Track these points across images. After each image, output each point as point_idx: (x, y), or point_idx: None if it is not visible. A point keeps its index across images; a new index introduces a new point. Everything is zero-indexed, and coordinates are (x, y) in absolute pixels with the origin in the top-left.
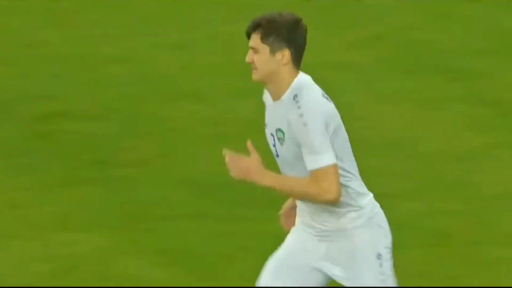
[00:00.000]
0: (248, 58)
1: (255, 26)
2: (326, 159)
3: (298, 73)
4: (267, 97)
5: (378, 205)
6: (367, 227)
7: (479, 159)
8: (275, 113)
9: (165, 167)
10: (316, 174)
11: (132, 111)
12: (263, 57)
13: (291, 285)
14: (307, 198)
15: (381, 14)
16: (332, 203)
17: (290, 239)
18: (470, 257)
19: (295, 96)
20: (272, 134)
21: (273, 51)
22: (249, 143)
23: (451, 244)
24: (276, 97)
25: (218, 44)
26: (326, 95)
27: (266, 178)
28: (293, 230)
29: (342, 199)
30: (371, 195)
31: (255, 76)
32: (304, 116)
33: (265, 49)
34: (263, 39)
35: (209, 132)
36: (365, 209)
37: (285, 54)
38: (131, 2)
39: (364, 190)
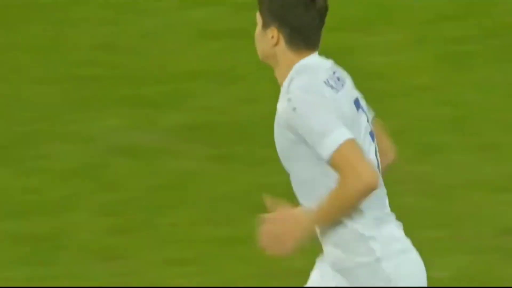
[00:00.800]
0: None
1: None
2: (336, 137)
3: (302, 56)
4: None
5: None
6: (369, 272)
7: None
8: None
9: None
10: (334, 163)
11: None
12: (257, 31)
13: None
14: (349, 203)
15: None
16: (373, 189)
17: (313, 275)
18: None
19: (291, 80)
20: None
21: (264, 26)
22: (267, 199)
23: None
24: (280, 82)
25: None
26: (334, 83)
27: (305, 226)
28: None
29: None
30: (393, 225)
31: (259, 54)
32: (293, 100)
33: (259, 21)
34: (260, 8)
35: None
36: (375, 244)
37: (274, 34)
38: None
39: (379, 216)
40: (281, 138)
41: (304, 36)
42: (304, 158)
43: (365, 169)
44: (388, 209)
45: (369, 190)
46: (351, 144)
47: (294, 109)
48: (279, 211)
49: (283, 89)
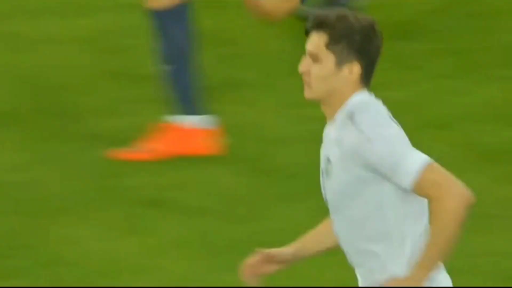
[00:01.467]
0: (302, 67)
1: (320, 24)
2: (416, 161)
3: (364, 90)
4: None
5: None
6: None
7: None
8: (327, 140)
9: None
10: (420, 188)
11: None
12: (325, 69)
13: None
14: (450, 232)
15: None
16: (468, 206)
17: None
18: None
19: (352, 114)
20: (322, 172)
21: (339, 63)
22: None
23: None
24: (330, 119)
25: None
26: (394, 119)
27: (418, 275)
28: None
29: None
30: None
31: (309, 93)
32: (366, 131)
33: (329, 58)
34: (330, 44)
35: None
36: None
37: (354, 69)
38: None
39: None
40: (343, 174)
41: (373, 70)
42: (366, 194)
43: (458, 184)
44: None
45: (470, 204)
46: (433, 165)
47: (369, 139)
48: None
49: (341, 123)
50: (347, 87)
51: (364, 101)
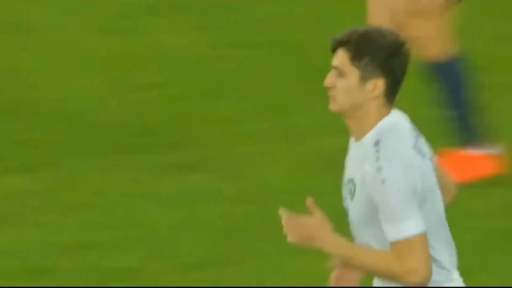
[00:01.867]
0: (328, 81)
1: (345, 41)
2: (411, 227)
3: (389, 111)
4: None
5: None
6: None
7: None
8: (353, 158)
9: None
10: (398, 248)
11: None
12: (349, 83)
13: None
14: (387, 277)
15: None
16: (420, 286)
17: None
18: None
19: (377, 142)
20: (345, 184)
21: (364, 78)
22: (309, 201)
23: None
24: (358, 136)
25: None
26: (419, 146)
27: (332, 244)
28: None
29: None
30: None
31: (334, 106)
32: (383, 171)
33: (353, 73)
34: (354, 60)
35: None
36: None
37: (378, 85)
38: None
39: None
40: (363, 200)
41: (399, 88)
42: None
43: (425, 268)
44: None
45: (416, 285)
46: (421, 238)
47: (383, 182)
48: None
49: (367, 148)
50: (371, 102)
51: (391, 127)
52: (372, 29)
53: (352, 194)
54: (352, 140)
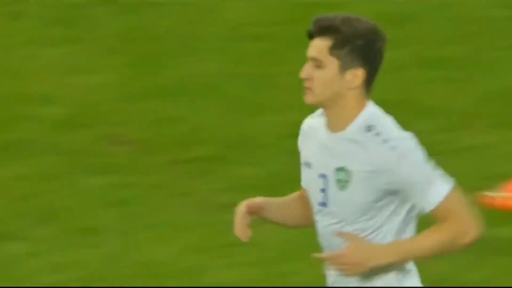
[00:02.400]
0: (304, 72)
1: (325, 29)
2: (446, 183)
3: (368, 100)
4: (311, 127)
5: None
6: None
7: None
8: (333, 149)
9: None
10: (445, 209)
11: None
12: (328, 74)
13: None
14: (443, 251)
15: None
16: (475, 239)
17: None
18: None
19: (370, 127)
20: (323, 176)
21: (343, 68)
22: (339, 233)
23: None
24: (336, 126)
25: None
26: None
27: (387, 254)
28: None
29: None
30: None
31: (311, 98)
32: (399, 149)
33: (333, 63)
34: (334, 49)
35: None
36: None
37: (358, 75)
38: None
39: None
40: (363, 190)
41: (376, 75)
42: (377, 214)
43: (475, 219)
44: None
45: (472, 243)
46: (455, 192)
47: (404, 156)
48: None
49: (354, 135)
50: (350, 93)
51: (377, 113)
52: (351, 17)
53: (345, 182)
54: (317, 134)
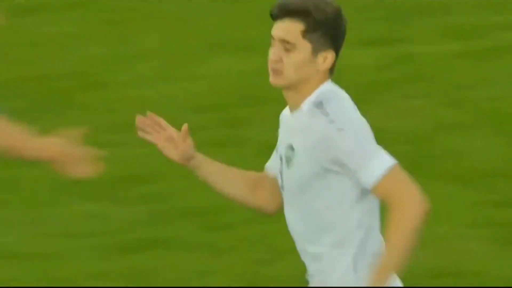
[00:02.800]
0: (274, 55)
1: (297, 12)
2: (388, 158)
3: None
4: (283, 115)
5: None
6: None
7: None
8: (288, 128)
9: None
10: (387, 183)
11: None
12: (301, 57)
13: None
14: (409, 240)
15: None
16: (425, 214)
17: None
18: None
19: (320, 103)
20: (280, 157)
21: (315, 51)
22: None
23: None
24: (297, 107)
25: None
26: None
27: (377, 281)
28: None
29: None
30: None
31: (280, 80)
32: (337, 122)
33: (305, 47)
34: (307, 32)
35: None
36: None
37: (329, 57)
38: None
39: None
40: (307, 165)
41: (338, 56)
42: (327, 187)
43: (417, 192)
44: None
45: (427, 212)
46: (396, 168)
47: (341, 130)
48: None
49: (304, 111)
50: (318, 75)
51: (332, 91)
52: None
53: (291, 160)
54: (285, 112)
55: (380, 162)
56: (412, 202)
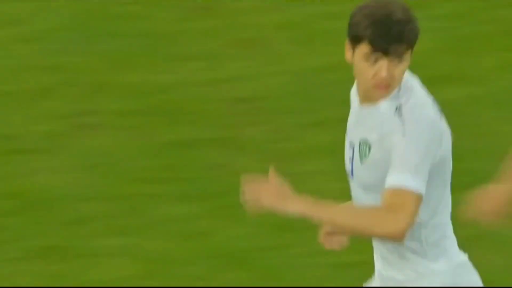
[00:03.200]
0: (387, 71)
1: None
2: (413, 182)
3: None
4: (352, 94)
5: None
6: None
7: None
8: (363, 120)
9: None
10: (391, 195)
11: None
12: (406, 66)
13: None
14: (368, 231)
15: None
16: (394, 240)
17: None
18: None
19: (399, 108)
20: (351, 144)
21: (408, 59)
22: (272, 170)
23: None
24: (367, 99)
25: None
26: (437, 108)
27: (294, 202)
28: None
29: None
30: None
31: (389, 91)
32: (406, 126)
33: (408, 55)
34: (411, 43)
35: None
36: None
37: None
38: None
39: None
40: (379, 163)
41: None
42: None
43: (407, 225)
44: None
45: (393, 239)
46: (417, 199)
47: (404, 134)
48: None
49: (384, 111)
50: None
51: (410, 88)
52: (404, 15)
53: (365, 156)
54: (355, 102)
55: (404, 179)
56: (396, 221)
